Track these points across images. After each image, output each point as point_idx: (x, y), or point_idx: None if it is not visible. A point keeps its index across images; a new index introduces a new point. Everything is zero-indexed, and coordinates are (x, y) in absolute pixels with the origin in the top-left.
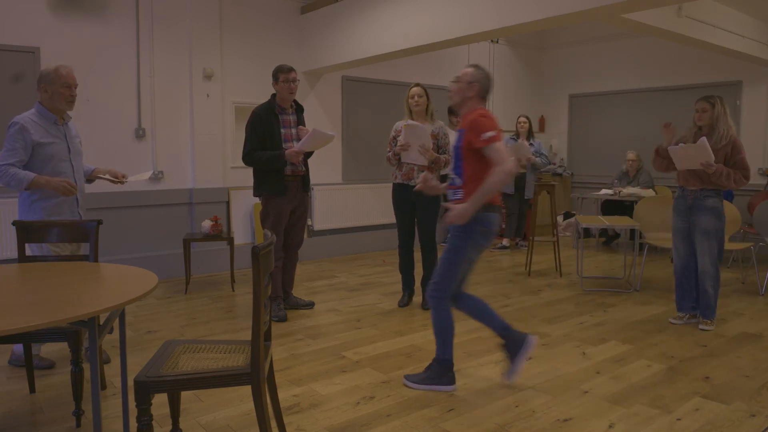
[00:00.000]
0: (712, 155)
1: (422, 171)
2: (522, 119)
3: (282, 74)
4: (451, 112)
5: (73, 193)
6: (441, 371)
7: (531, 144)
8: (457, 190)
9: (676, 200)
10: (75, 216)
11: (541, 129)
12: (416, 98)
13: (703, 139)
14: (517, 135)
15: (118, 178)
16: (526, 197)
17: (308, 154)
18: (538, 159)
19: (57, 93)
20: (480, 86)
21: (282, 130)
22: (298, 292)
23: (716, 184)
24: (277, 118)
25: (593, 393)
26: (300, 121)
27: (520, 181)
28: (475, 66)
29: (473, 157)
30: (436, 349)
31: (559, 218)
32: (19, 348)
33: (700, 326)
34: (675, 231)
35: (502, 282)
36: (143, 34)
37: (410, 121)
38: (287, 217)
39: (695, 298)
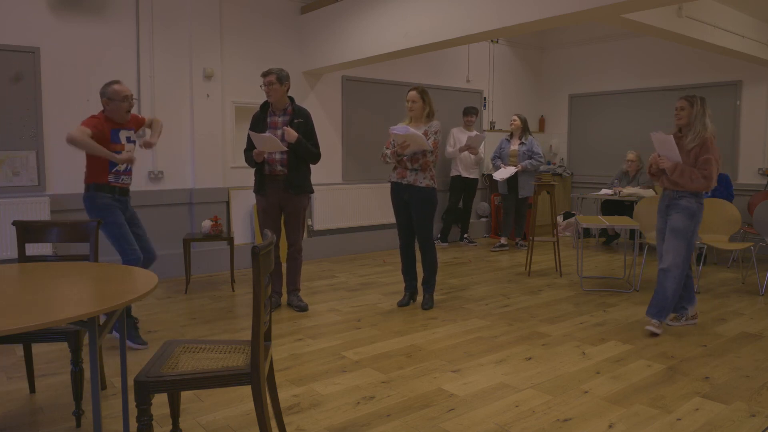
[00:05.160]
0: (675, 152)
1: (415, 170)
2: (514, 118)
3: (262, 78)
4: (466, 112)
5: None
6: None
7: (522, 143)
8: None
9: (659, 202)
10: None
11: (541, 129)
12: (410, 103)
13: (671, 136)
14: (511, 134)
15: None
16: (520, 196)
17: (291, 159)
18: (527, 163)
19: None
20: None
21: (267, 131)
22: None
23: (681, 185)
24: (266, 120)
25: (593, 393)
26: (298, 126)
27: (512, 181)
28: None
29: None
30: None
31: (559, 218)
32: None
33: (647, 327)
34: (657, 232)
35: (502, 282)
36: (143, 35)
37: (392, 130)
38: (272, 214)
39: (683, 298)
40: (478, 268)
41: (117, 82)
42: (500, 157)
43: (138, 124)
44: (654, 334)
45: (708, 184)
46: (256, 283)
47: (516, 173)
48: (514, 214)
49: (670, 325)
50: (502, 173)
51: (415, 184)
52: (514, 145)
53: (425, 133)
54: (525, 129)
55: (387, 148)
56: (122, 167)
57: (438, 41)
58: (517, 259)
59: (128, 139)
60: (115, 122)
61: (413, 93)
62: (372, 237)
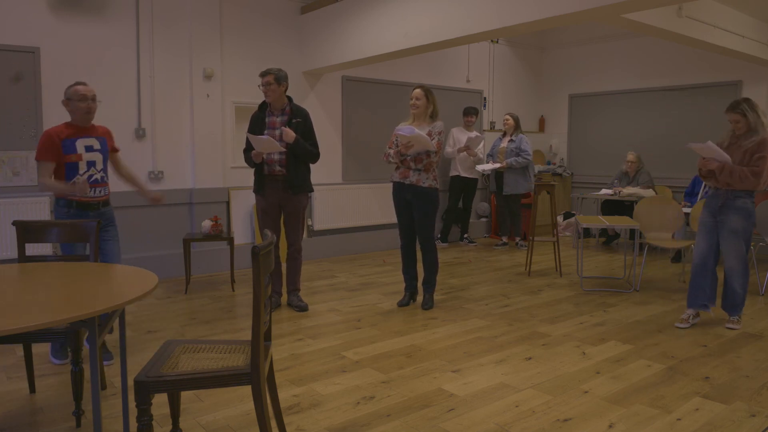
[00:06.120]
0: (720, 153)
1: (418, 170)
2: (506, 117)
3: (260, 78)
4: (466, 112)
5: None
6: None
7: (512, 140)
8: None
9: (708, 198)
10: None
11: (541, 129)
12: (414, 100)
13: (709, 142)
14: (504, 133)
15: None
16: (504, 193)
17: (290, 159)
18: (512, 160)
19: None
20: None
21: (266, 131)
22: None
23: (732, 185)
24: (264, 120)
25: (593, 393)
26: (297, 126)
27: (498, 179)
28: None
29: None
30: None
31: (559, 218)
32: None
33: (727, 325)
34: (700, 225)
35: (502, 282)
36: (143, 34)
37: (398, 130)
38: (272, 214)
39: (708, 297)
40: (478, 268)
41: (82, 83)
42: (491, 155)
43: (110, 140)
44: (732, 329)
45: (757, 182)
46: (256, 283)
47: (503, 170)
48: (507, 212)
49: (678, 327)
50: (485, 166)
51: (418, 184)
52: (504, 143)
53: (429, 134)
54: (517, 127)
55: (390, 148)
56: (79, 179)
57: (438, 41)
58: (517, 259)
59: (89, 148)
60: (78, 127)
61: (418, 91)
62: (372, 237)
